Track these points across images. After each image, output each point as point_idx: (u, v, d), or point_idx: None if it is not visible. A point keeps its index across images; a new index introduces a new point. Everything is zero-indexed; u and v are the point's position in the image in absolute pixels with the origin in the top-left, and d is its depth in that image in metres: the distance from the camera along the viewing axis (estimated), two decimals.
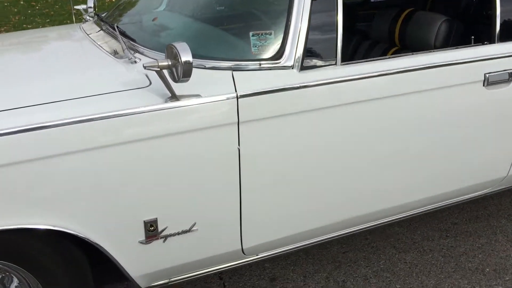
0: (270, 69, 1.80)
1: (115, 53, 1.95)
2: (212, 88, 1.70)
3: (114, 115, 1.55)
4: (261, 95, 1.72)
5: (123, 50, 1.86)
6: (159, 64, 1.55)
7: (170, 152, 1.65)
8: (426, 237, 2.62)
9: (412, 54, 2.04)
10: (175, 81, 1.59)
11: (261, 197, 1.83)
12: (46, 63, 1.96)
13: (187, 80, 1.56)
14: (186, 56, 1.52)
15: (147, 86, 1.67)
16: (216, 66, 1.77)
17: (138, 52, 1.88)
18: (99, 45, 2.07)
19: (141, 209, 1.66)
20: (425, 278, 2.32)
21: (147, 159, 1.63)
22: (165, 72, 1.58)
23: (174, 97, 1.62)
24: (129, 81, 1.69)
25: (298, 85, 1.77)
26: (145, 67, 1.55)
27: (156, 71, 1.56)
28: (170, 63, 1.56)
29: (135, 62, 1.80)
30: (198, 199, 1.73)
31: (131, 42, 1.95)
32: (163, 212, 1.69)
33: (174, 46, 1.54)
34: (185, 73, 1.54)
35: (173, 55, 1.55)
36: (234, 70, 1.76)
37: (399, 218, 2.26)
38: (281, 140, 1.80)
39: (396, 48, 2.60)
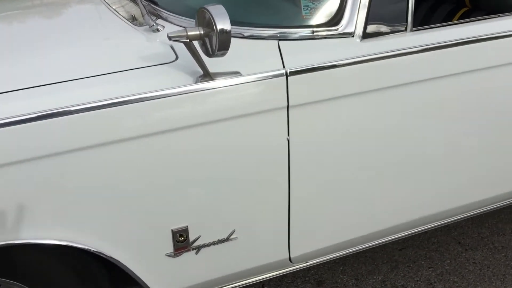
0: (325, 38, 1.42)
1: (133, 19, 1.59)
2: (253, 63, 1.34)
3: (131, 100, 1.22)
4: (315, 72, 1.36)
5: (143, 16, 1.50)
6: (188, 33, 1.20)
7: (201, 146, 1.31)
8: (496, 231, 2.26)
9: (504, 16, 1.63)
10: (208, 55, 1.23)
11: (315, 198, 1.50)
12: (51, 33, 1.62)
13: (224, 54, 1.21)
14: (223, 23, 1.17)
15: (173, 61, 1.32)
16: (257, 34, 1.40)
17: (161, 18, 1.53)
18: (114, 9, 1.72)
19: (168, 216, 1.34)
20: (500, 284, 1.97)
21: (174, 155, 1.29)
22: (196, 43, 1.23)
23: (207, 75, 1.27)
24: (150, 55, 1.34)
25: (362, 58, 1.40)
26: (170, 38, 1.20)
27: (184, 43, 1.21)
28: (202, 32, 1.21)
29: (158, 30, 1.45)
30: (238, 202, 1.40)
31: (153, 5, 1.59)
32: (195, 220, 1.36)
33: (207, 10, 1.18)
34: (221, 44, 1.18)
35: (206, 22, 1.20)
36: (280, 40, 1.40)
37: (468, 216, 1.90)
38: (340, 128, 1.44)
39: (466, 9, 2.17)
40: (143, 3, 1.54)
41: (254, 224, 1.45)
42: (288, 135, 1.37)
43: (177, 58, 1.34)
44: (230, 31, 1.17)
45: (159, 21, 1.52)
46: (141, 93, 1.23)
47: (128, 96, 1.22)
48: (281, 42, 1.39)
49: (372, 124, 1.48)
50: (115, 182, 1.27)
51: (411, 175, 1.61)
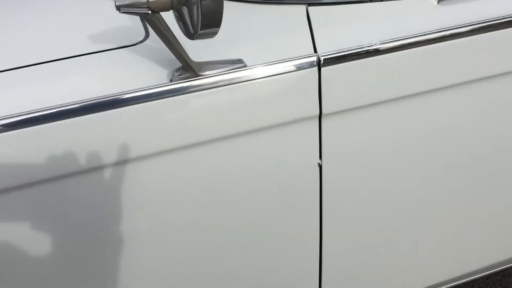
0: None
1: None
2: (262, 45, 0.84)
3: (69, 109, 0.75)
4: (362, 58, 0.85)
5: None
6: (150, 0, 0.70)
7: (181, 178, 0.84)
8: None
9: None
10: (189, 36, 0.74)
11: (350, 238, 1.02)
12: None
13: (214, 34, 0.72)
14: None
15: (139, 42, 0.84)
16: None
17: None
18: None
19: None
20: None
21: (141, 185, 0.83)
22: (164, 16, 0.74)
23: (188, 68, 0.78)
24: (107, 32, 0.86)
25: (447, 31, 0.87)
26: (118, 7, 0.71)
27: (144, 16, 0.72)
28: None
29: None
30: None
31: None
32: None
33: None
34: (207, 18, 0.68)
35: None
36: (310, 4, 0.88)
37: None
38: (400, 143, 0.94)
39: None
40: None
41: (279, 267, 0.99)
42: (320, 158, 0.88)
43: (147, 37, 0.85)
44: None
45: None
46: (87, 100, 0.76)
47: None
48: (311, 8, 0.88)
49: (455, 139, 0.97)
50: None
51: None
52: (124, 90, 0.76)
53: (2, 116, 0.72)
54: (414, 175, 0.97)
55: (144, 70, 0.80)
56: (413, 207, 1.01)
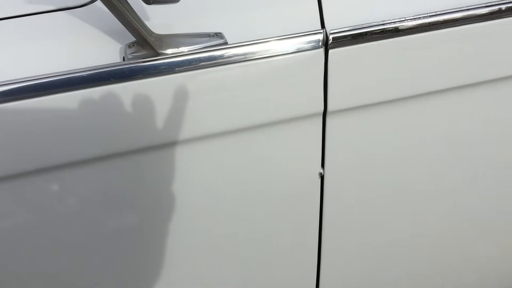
0: None
1: None
2: (253, 18, 0.62)
3: None
4: (384, 38, 0.63)
5: None
6: None
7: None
8: None
9: None
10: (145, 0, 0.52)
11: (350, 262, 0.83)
12: None
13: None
14: None
15: (81, 5, 0.62)
16: None
17: None
18: None
19: None
20: None
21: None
22: None
23: (144, 44, 0.56)
24: None
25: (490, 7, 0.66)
26: None
27: None
28: None
29: None
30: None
31: None
32: None
33: None
34: None
35: None
36: None
37: None
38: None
39: None
40: None
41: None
42: (323, 166, 0.68)
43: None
44: None
45: None
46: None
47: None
48: None
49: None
50: None
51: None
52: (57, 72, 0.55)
53: None
54: (423, 182, 0.77)
55: (89, 43, 0.58)
56: (416, 215, 0.81)
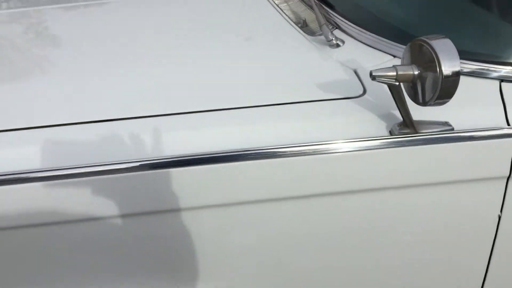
0: None
1: (303, 24, 1.31)
2: (469, 112, 1.00)
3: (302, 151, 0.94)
4: None
5: (320, 26, 1.21)
6: (399, 73, 0.89)
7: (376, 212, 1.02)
8: None
9: None
10: (418, 102, 0.92)
11: None
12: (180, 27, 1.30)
13: (445, 103, 0.89)
14: (452, 64, 0.84)
15: (359, 96, 1.03)
16: (478, 71, 1.05)
17: (339, 28, 1.23)
18: (276, 4, 1.43)
19: None
20: None
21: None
22: (402, 85, 0.92)
23: (409, 125, 0.96)
24: (327, 82, 1.05)
25: None
26: (374, 77, 0.89)
27: (391, 85, 0.91)
28: (416, 72, 0.89)
29: (337, 45, 1.15)
30: None
31: (328, 9, 1.28)
32: None
33: (429, 44, 0.86)
34: (445, 91, 0.86)
35: (424, 60, 0.88)
36: (503, 81, 1.04)
37: None
38: None
39: None
40: (319, 8, 1.24)
41: None
42: (501, 211, 1.04)
43: (364, 92, 1.03)
44: (459, 75, 0.85)
45: (336, 31, 1.22)
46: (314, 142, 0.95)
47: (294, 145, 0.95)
48: (504, 85, 1.03)
49: None
50: None
51: None
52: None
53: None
54: None
55: (365, 121, 0.98)
56: None
